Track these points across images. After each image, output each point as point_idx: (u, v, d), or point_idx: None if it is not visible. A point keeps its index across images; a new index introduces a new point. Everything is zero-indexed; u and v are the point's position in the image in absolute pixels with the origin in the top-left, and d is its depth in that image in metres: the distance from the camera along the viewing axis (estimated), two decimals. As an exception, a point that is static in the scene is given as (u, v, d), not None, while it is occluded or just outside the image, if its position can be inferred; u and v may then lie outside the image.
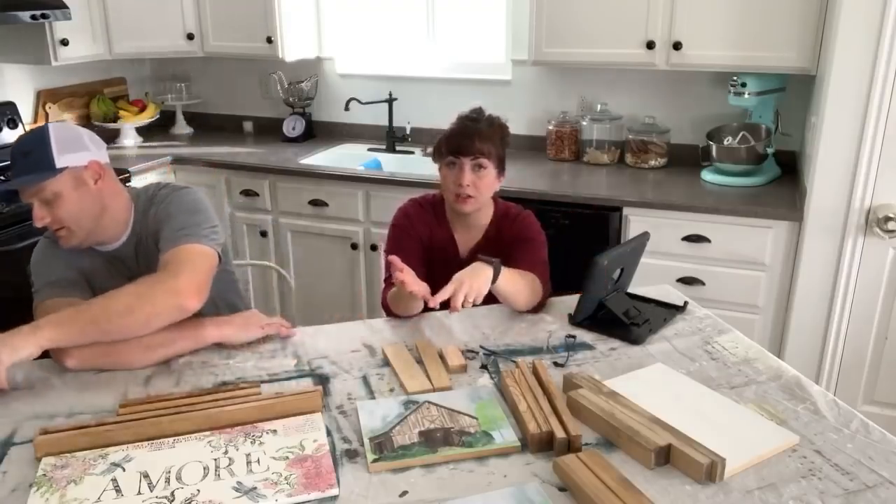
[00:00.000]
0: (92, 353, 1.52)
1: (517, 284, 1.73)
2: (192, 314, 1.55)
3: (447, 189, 1.88)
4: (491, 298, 1.76)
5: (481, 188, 1.84)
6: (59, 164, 1.56)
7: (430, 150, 1.99)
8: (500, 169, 1.89)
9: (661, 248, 2.66)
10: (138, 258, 1.73)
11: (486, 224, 1.94)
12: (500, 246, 1.88)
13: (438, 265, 1.83)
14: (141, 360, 1.55)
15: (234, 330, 1.65)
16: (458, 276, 1.61)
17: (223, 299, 1.81)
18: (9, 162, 1.60)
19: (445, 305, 1.59)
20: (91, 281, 1.70)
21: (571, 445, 1.24)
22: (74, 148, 1.61)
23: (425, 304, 1.75)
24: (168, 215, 1.67)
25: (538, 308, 1.81)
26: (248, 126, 4.00)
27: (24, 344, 1.41)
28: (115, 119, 3.71)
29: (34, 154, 1.57)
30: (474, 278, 1.60)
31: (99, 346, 1.51)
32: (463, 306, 1.56)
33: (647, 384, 1.44)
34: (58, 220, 1.61)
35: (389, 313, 1.83)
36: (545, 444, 1.26)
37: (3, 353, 1.39)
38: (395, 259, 1.61)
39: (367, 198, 3.14)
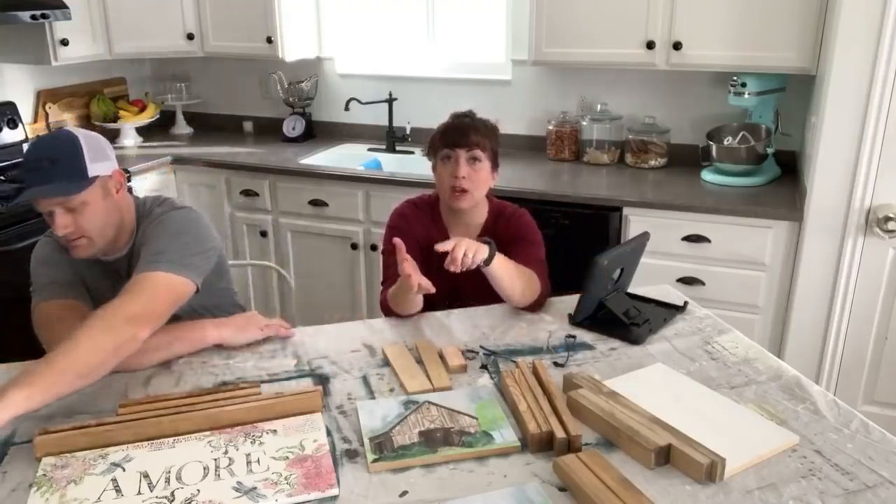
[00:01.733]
0: None
1: (512, 271, 1.73)
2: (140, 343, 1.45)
3: (442, 185, 1.88)
4: (490, 298, 1.76)
5: (477, 182, 1.85)
6: (91, 172, 1.54)
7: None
8: (495, 165, 1.90)
9: (661, 248, 2.65)
10: (130, 272, 1.66)
11: (482, 223, 1.94)
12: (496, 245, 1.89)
13: (435, 265, 1.83)
14: (140, 363, 1.54)
15: (233, 331, 1.64)
16: (456, 238, 1.63)
17: (216, 317, 1.74)
18: (16, 162, 1.56)
19: (444, 305, 1.59)
20: (87, 287, 1.68)
21: (571, 445, 1.24)
22: (101, 156, 1.58)
23: (425, 303, 1.75)
24: (153, 235, 1.62)
25: (537, 307, 1.81)
26: (248, 126, 4.00)
27: None
28: (115, 119, 3.71)
29: (65, 162, 1.52)
30: (472, 242, 1.63)
31: None
32: (462, 264, 1.59)
33: (647, 384, 1.44)
34: (81, 230, 1.57)
35: (388, 313, 1.82)
36: (545, 444, 1.26)
37: None
38: (399, 242, 1.61)
39: (367, 198, 3.14)
